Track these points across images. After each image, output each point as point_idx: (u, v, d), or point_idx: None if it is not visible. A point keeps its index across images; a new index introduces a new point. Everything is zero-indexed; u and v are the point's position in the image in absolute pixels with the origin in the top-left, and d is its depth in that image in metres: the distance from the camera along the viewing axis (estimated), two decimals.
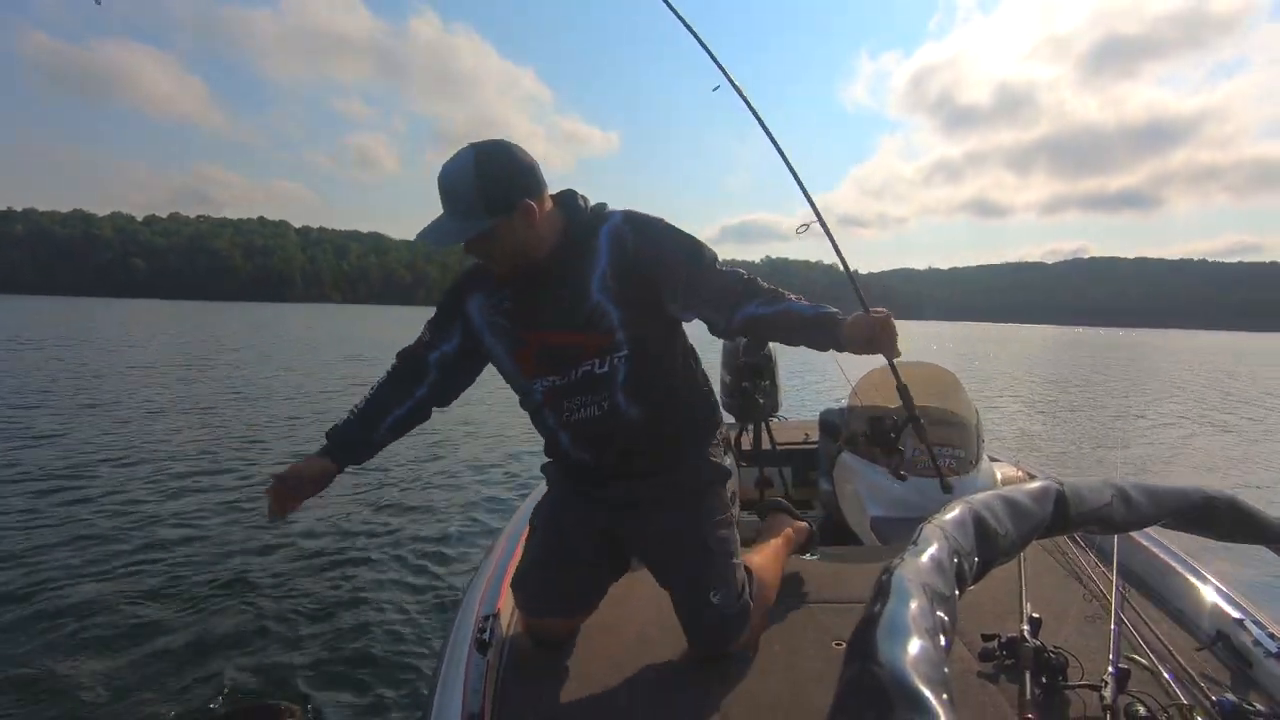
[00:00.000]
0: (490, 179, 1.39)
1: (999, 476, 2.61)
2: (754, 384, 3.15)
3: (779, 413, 3.32)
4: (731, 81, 1.97)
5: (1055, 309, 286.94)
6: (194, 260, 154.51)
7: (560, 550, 1.66)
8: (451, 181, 1.40)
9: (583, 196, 1.57)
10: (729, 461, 1.74)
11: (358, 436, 1.60)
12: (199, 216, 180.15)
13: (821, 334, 1.40)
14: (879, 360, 1.57)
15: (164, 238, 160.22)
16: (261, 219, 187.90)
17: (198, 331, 28.50)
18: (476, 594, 1.77)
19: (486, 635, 1.54)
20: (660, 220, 1.55)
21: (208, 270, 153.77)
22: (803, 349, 1.51)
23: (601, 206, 1.57)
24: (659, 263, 1.49)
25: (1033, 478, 2.44)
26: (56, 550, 3.96)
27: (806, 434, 3.57)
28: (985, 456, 2.63)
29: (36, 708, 2.53)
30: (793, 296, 1.47)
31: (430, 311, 1.69)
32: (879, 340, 1.36)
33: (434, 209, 1.45)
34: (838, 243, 1.93)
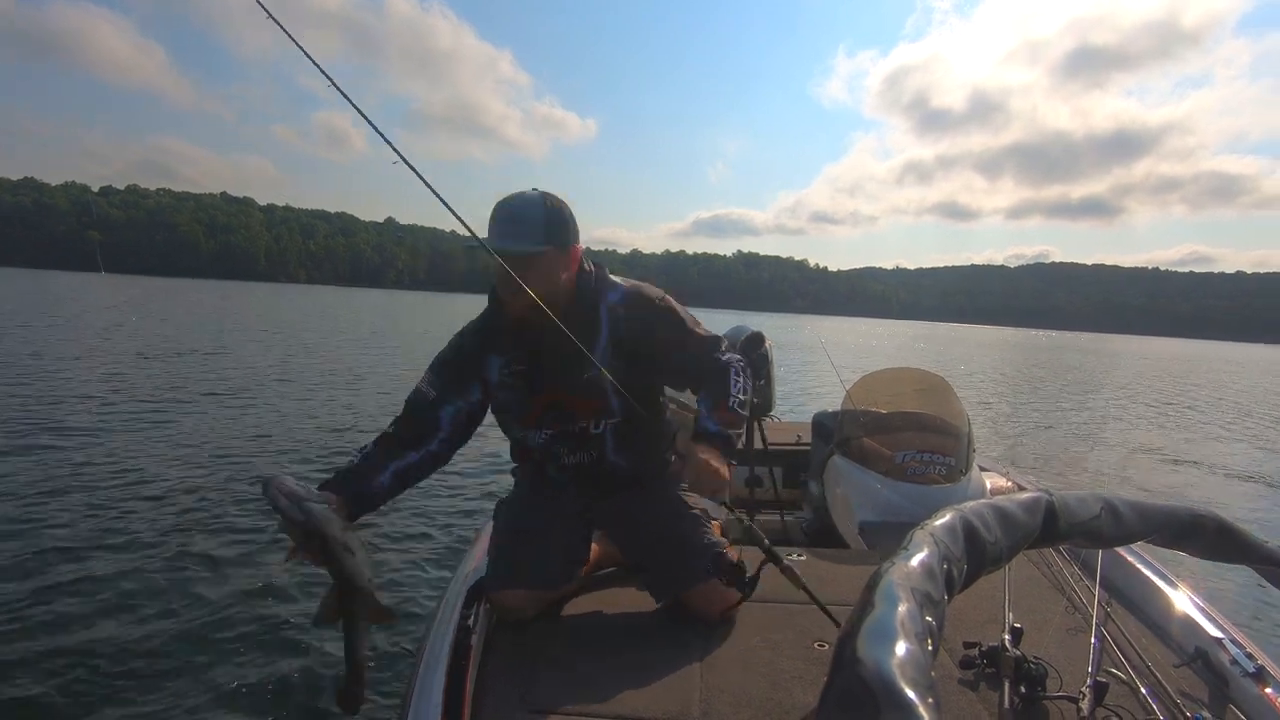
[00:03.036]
0: (555, 214, 1.65)
1: (988, 486, 2.63)
2: None
3: (772, 412, 3.32)
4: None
5: (1015, 311, 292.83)
6: (153, 235, 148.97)
7: (528, 527, 1.77)
8: (521, 208, 1.63)
9: (590, 263, 1.75)
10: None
11: (360, 481, 1.58)
12: (159, 190, 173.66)
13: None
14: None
15: (122, 210, 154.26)
16: (225, 195, 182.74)
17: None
18: (456, 591, 1.77)
19: (470, 623, 1.54)
20: (655, 302, 1.75)
21: (168, 245, 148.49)
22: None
23: (604, 274, 1.76)
24: (650, 344, 1.71)
25: (1022, 489, 2.48)
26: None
27: (799, 435, 3.56)
28: (976, 465, 2.65)
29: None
30: (728, 399, 1.66)
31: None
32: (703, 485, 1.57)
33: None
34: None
